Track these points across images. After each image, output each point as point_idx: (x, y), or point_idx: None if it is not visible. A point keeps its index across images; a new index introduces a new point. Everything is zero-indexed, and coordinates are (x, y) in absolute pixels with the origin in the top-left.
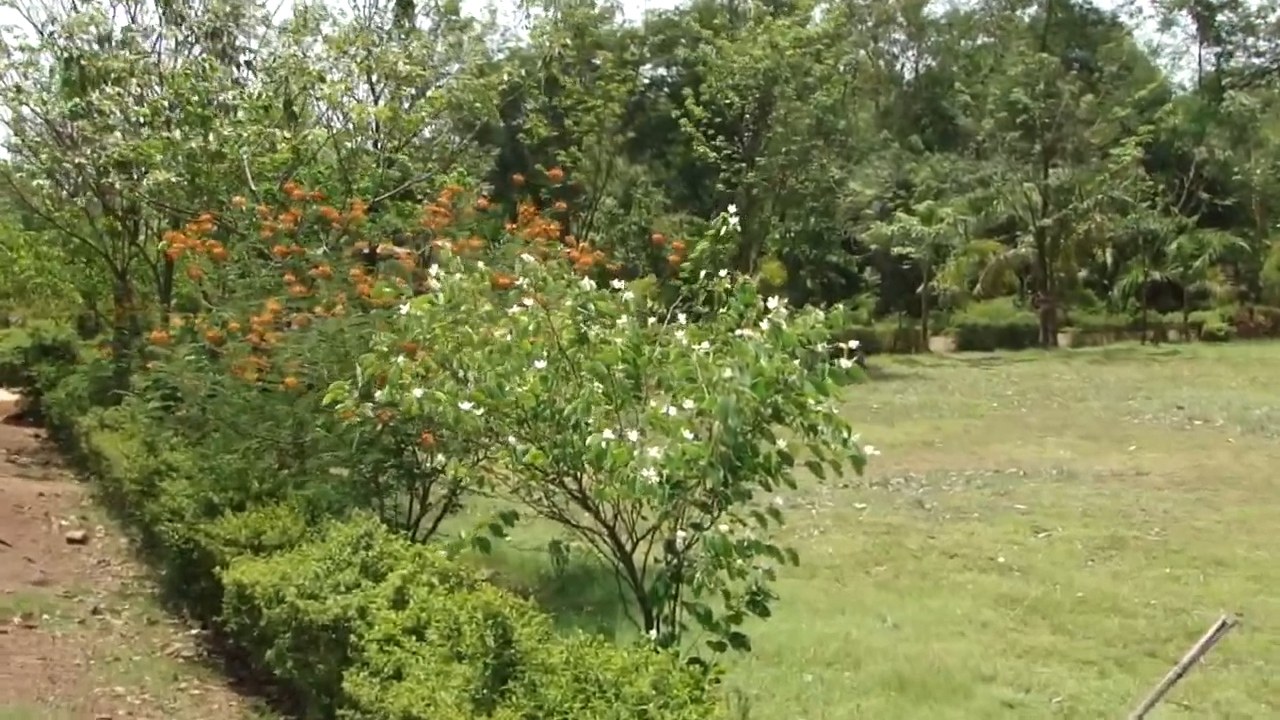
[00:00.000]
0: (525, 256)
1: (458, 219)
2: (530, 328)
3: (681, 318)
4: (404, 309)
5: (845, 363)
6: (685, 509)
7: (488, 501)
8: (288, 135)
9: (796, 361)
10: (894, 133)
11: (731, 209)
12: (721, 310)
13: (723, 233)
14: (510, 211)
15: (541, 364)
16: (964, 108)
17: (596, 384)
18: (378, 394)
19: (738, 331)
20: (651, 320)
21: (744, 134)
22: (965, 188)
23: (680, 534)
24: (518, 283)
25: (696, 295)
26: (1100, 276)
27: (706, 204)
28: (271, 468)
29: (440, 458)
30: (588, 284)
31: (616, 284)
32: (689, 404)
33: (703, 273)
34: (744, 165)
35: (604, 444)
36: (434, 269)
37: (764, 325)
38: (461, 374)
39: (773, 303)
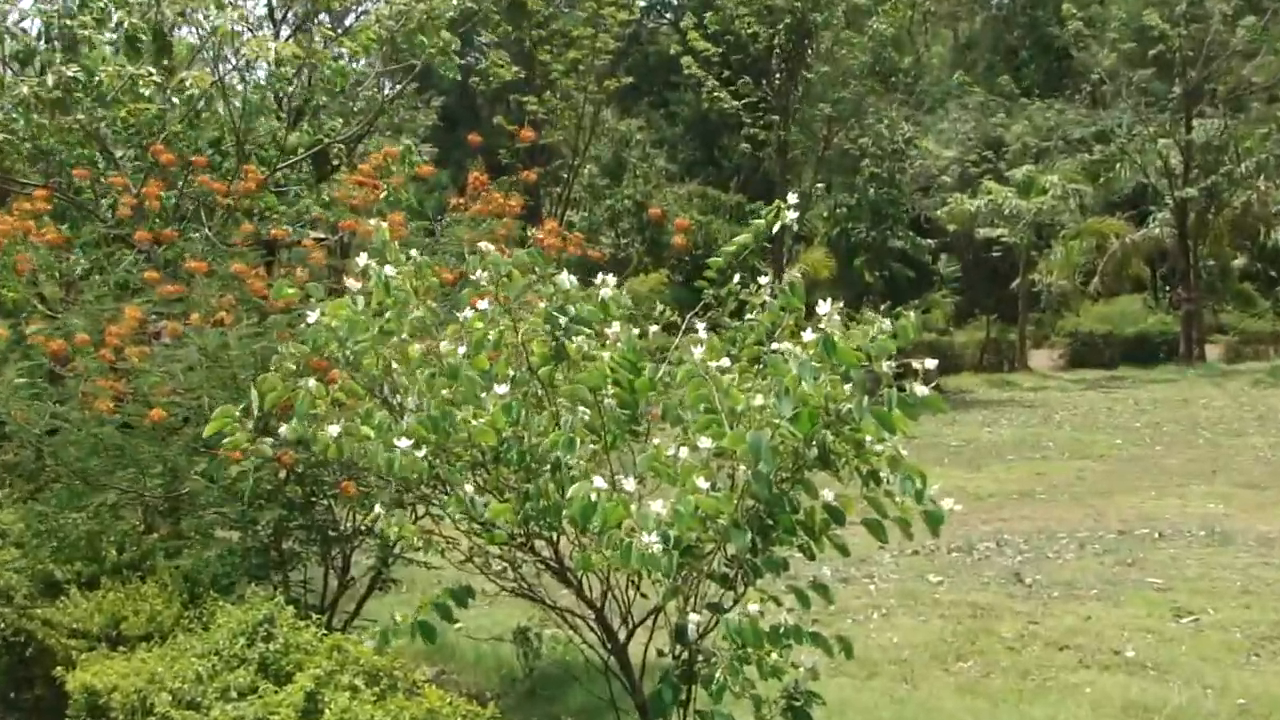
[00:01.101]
0: (483, 245)
1: (388, 192)
2: (489, 339)
3: (701, 329)
4: (313, 315)
5: (921, 389)
6: (699, 584)
7: (431, 575)
8: (157, 78)
9: (850, 386)
10: (979, 73)
11: (791, 199)
12: (749, 316)
13: (774, 224)
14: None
15: (504, 388)
16: (1075, 37)
17: (580, 414)
18: (281, 429)
19: (772, 345)
20: (654, 329)
21: (774, 76)
22: (1077, 146)
23: (693, 618)
24: (473, 277)
25: (724, 302)
26: (1266, 267)
27: (725, 171)
28: (135, 530)
29: (375, 511)
30: (567, 280)
31: (608, 280)
32: (705, 442)
33: (736, 277)
34: (775, 118)
35: (591, 496)
36: (360, 259)
37: (806, 336)
38: (396, 402)
39: (822, 307)
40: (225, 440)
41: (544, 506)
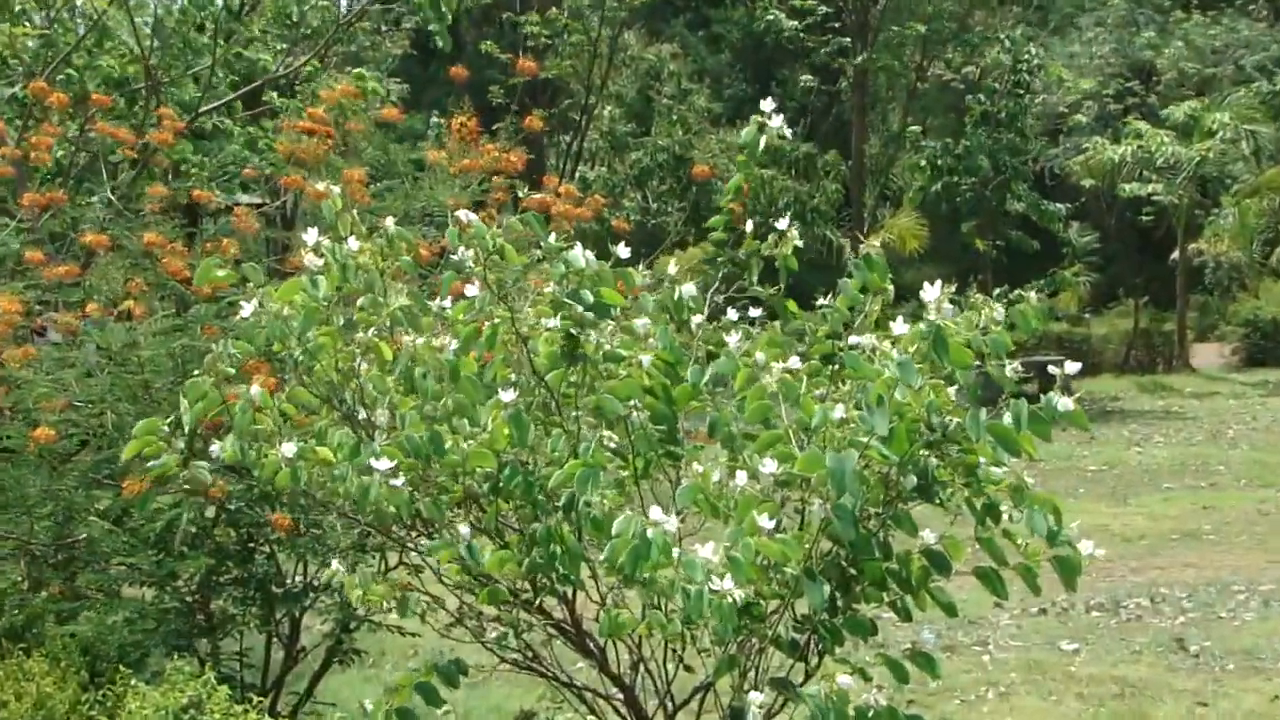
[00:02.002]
0: (463, 214)
1: (346, 143)
2: (482, 336)
3: (731, 314)
4: (248, 306)
5: (1064, 401)
6: (761, 652)
7: (405, 641)
8: None
9: (957, 392)
10: None
11: (774, 119)
12: (822, 304)
13: (757, 142)
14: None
15: (509, 394)
16: None
17: (602, 432)
18: (214, 447)
19: (852, 339)
20: (697, 320)
21: None
22: (1254, 74)
23: (754, 697)
24: (455, 256)
25: (747, 266)
26: None
27: (787, 112)
28: (16, 588)
29: (334, 566)
30: (581, 256)
31: (622, 252)
32: (769, 466)
33: (748, 225)
34: (850, 40)
35: (638, 535)
36: (309, 235)
37: (897, 327)
38: (365, 417)
39: (929, 290)
40: (151, 466)
41: (557, 553)
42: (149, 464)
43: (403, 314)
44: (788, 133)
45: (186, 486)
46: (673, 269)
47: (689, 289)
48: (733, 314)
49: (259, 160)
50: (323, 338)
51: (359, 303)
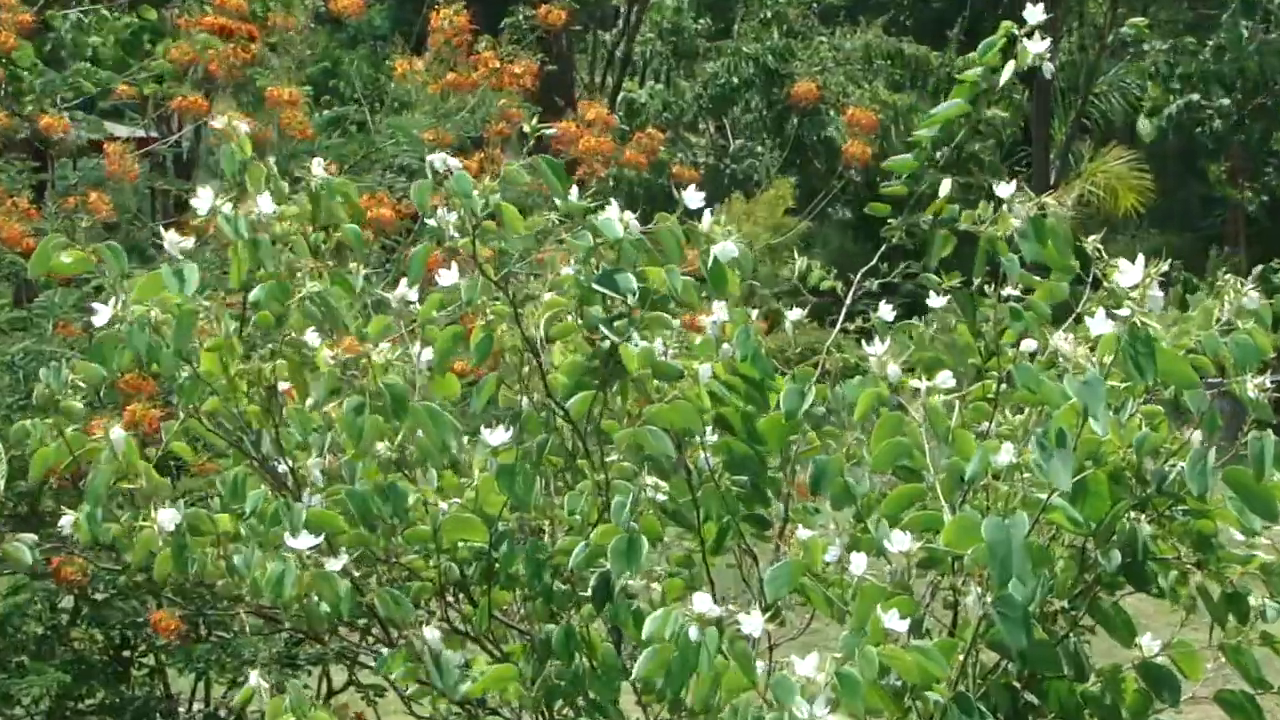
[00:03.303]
0: (439, 158)
1: (275, 48)
2: (476, 340)
3: (884, 311)
4: (104, 310)
5: None
6: None
7: None
8: None
9: (1194, 433)
10: None
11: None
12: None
13: (1001, 74)
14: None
15: (501, 434)
16: None
17: (649, 484)
18: (64, 520)
19: (1027, 344)
20: (794, 316)
21: None
22: None
23: None
24: (431, 221)
25: (929, 244)
26: None
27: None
28: None
29: (251, 683)
30: (618, 220)
31: (692, 200)
32: (901, 540)
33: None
34: None
35: (680, 637)
36: (201, 196)
37: (1096, 324)
38: (287, 466)
39: (1127, 271)
40: None
41: (583, 668)
42: None
43: (316, 306)
44: (1048, 66)
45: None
46: (707, 221)
47: (728, 247)
48: (886, 310)
49: (142, 74)
50: (209, 355)
51: (251, 295)
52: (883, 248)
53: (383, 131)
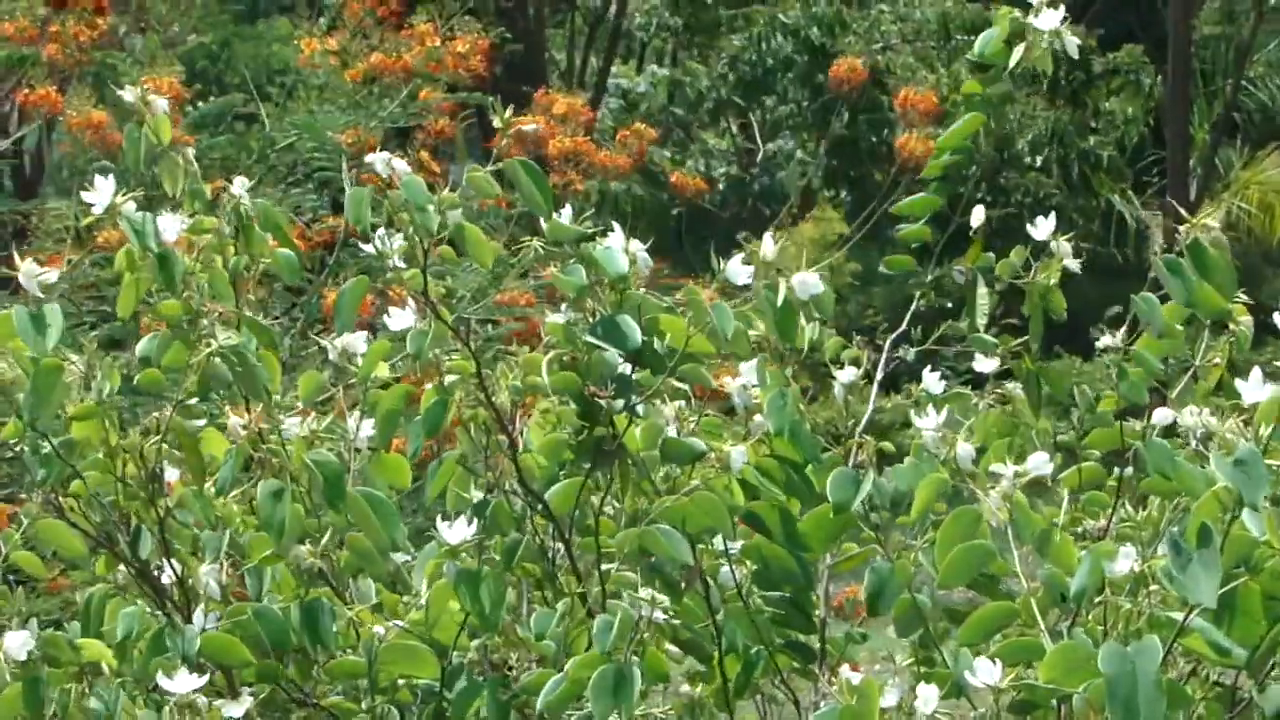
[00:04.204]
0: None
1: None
2: (427, 407)
3: (931, 381)
4: None
5: None
6: None
7: None
8: None
9: None
10: None
11: None
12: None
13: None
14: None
15: (463, 529)
16: None
17: (650, 601)
18: None
19: (1159, 415)
20: (848, 375)
21: None
22: None
23: None
24: (383, 245)
25: (966, 302)
26: None
27: None
28: None
29: None
30: (620, 249)
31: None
32: (986, 672)
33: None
34: None
35: None
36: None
37: (1253, 389)
38: (177, 575)
39: None
40: None
41: None
42: None
43: (231, 364)
44: (1071, 41)
45: None
46: (769, 247)
47: (809, 280)
48: (933, 379)
49: None
50: (80, 422)
51: (140, 347)
52: (912, 307)
53: (284, 131)
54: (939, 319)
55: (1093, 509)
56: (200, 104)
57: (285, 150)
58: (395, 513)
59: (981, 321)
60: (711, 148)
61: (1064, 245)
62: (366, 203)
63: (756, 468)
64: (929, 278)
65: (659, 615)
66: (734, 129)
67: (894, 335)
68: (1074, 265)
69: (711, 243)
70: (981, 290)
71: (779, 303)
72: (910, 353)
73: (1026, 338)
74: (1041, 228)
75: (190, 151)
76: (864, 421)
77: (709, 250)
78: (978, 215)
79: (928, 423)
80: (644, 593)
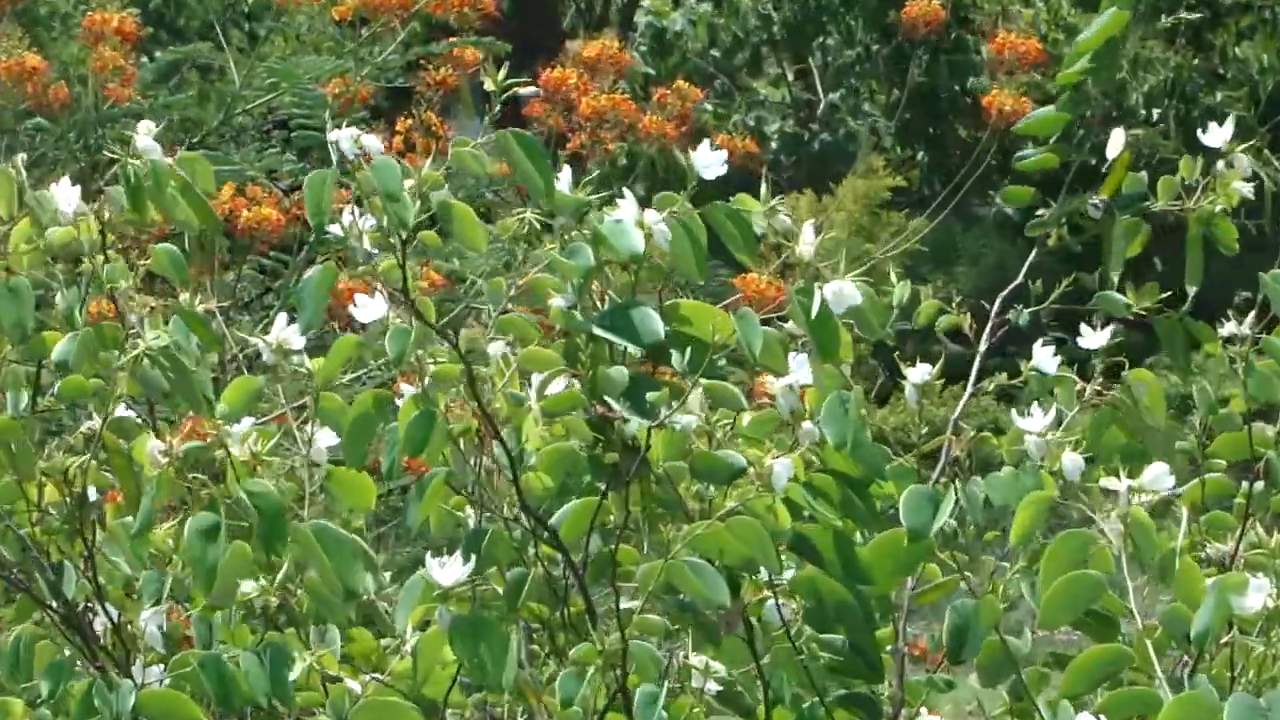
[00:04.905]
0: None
1: None
2: (406, 417)
3: (1044, 358)
4: None
5: None
6: None
7: None
8: None
9: None
10: None
11: None
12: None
13: None
14: None
15: (450, 569)
16: None
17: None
18: None
19: None
20: (920, 373)
21: None
22: None
23: None
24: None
25: (1100, 244)
26: None
27: None
28: None
29: None
30: (633, 220)
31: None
32: None
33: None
34: None
35: None
36: None
37: None
38: (106, 620)
39: None
40: None
41: None
42: None
43: (162, 367)
44: None
45: None
46: (809, 239)
47: (844, 290)
48: (1046, 354)
49: None
50: None
51: (56, 351)
52: (1031, 255)
53: (257, 83)
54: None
55: (1217, 531)
56: (158, 54)
57: (260, 103)
58: (354, 551)
59: (1117, 269)
60: (763, 99)
61: (1241, 159)
62: (328, 191)
63: (807, 485)
64: (1055, 220)
65: (711, 686)
66: (790, 76)
67: (1007, 290)
68: (1246, 189)
69: None
70: (1119, 228)
71: (814, 312)
72: (1023, 315)
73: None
74: (1214, 134)
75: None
76: (958, 413)
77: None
78: (1117, 139)
79: (1032, 423)
80: (696, 659)
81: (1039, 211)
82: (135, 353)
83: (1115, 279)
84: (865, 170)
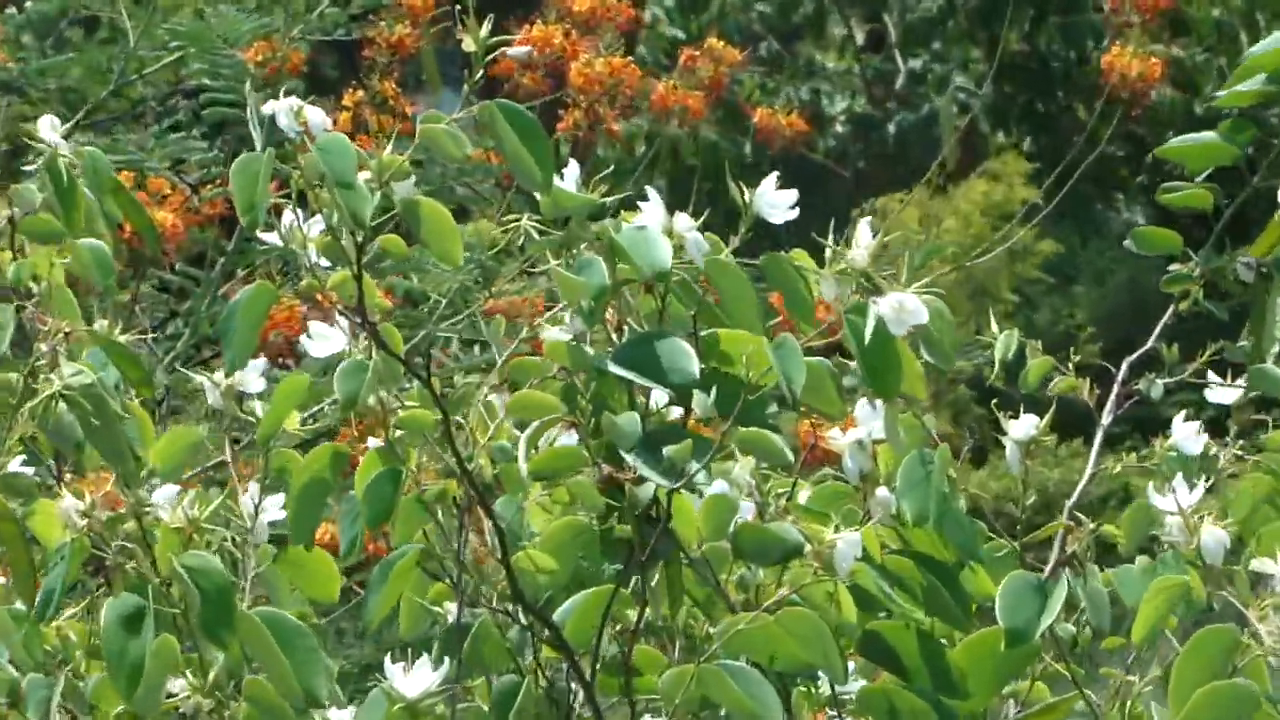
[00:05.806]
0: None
1: None
2: (364, 478)
3: (1186, 435)
4: None
5: None
6: None
7: None
8: None
9: None
10: None
11: None
12: None
13: None
14: None
15: (431, 679)
16: None
17: None
18: None
19: None
20: (1024, 427)
21: None
22: None
23: None
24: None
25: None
26: None
27: None
28: None
29: None
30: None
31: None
32: None
33: None
34: None
35: None
36: None
37: None
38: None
39: None
40: None
41: None
42: None
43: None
44: None
45: None
46: (864, 242)
47: (908, 305)
48: (1189, 432)
49: None
50: None
51: None
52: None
53: (158, 44)
54: (1195, 338)
55: None
56: (29, 2)
57: (161, 66)
58: (314, 647)
59: (1274, 346)
60: (825, 69)
61: None
62: (264, 180)
63: (880, 569)
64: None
65: None
66: (857, 39)
67: (1134, 357)
68: None
69: (828, 218)
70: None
71: (869, 334)
72: (1157, 386)
73: None
74: None
75: None
76: (1077, 494)
77: (824, 225)
78: None
79: (1173, 503)
80: None
81: (1172, 266)
82: (49, 392)
83: (1274, 350)
84: (984, 170)
